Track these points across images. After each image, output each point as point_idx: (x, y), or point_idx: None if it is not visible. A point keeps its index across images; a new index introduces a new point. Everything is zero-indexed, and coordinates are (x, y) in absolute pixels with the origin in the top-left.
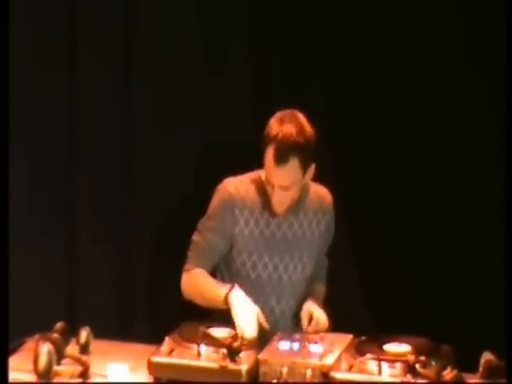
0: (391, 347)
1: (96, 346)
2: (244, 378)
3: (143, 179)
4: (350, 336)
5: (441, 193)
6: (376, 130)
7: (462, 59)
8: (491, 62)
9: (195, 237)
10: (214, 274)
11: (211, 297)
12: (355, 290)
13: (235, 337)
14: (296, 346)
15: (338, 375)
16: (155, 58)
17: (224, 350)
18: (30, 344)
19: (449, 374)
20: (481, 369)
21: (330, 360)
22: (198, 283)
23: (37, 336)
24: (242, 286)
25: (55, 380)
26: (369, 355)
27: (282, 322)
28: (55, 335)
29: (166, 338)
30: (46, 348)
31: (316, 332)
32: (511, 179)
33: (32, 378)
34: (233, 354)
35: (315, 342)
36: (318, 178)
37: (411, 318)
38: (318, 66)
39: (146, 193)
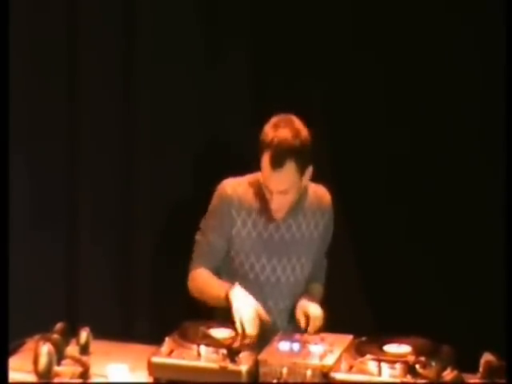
0: (391, 348)
1: (96, 346)
2: (244, 379)
3: (143, 179)
4: (350, 337)
5: (440, 193)
6: (375, 129)
7: (462, 59)
8: (491, 62)
9: (198, 236)
10: (217, 274)
11: (214, 295)
12: (355, 291)
13: (235, 337)
14: (296, 346)
15: (338, 376)
16: (155, 58)
17: (224, 351)
18: (30, 344)
19: (449, 374)
20: (481, 369)
21: (330, 360)
22: (201, 282)
23: (37, 336)
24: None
25: (55, 380)
26: (369, 356)
27: (280, 323)
28: (55, 336)
29: (166, 339)
30: (46, 348)
31: (313, 328)
32: (511, 179)
33: (32, 378)
34: (233, 354)
35: (315, 343)
36: (318, 178)
37: (411, 318)
38: (317, 66)
39: (147, 193)
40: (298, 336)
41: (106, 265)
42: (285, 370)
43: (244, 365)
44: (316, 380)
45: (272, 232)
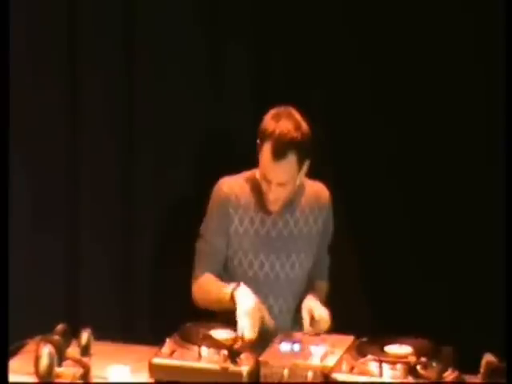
0: (392, 348)
1: (97, 347)
2: (245, 380)
3: (144, 179)
4: (352, 337)
5: (442, 192)
6: (376, 129)
7: (463, 59)
8: (491, 63)
9: (198, 244)
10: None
11: (220, 298)
12: (356, 291)
13: (236, 338)
14: (297, 347)
15: (339, 376)
16: (156, 59)
17: (225, 352)
18: (30, 346)
19: (450, 375)
20: (482, 370)
21: (331, 361)
22: (206, 289)
23: (38, 338)
24: None
25: (56, 382)
26: (370, 356)
27: (281, 320)
28: (56, 337)
29: (167, 340)
30: (46, 350)
31: (318, 331)
32: (511, 179)
33: (33, 379)
34: (234, 355)
35: (316, 344)
36: (318, 177)
37: (412, 319)
38: (318, 67)
39: (147, 193)
40: (298, 337)
41: (107, 266)
42: (286, 371)
43: (245, 366)
44: (317, 381)
45: (269, 228)
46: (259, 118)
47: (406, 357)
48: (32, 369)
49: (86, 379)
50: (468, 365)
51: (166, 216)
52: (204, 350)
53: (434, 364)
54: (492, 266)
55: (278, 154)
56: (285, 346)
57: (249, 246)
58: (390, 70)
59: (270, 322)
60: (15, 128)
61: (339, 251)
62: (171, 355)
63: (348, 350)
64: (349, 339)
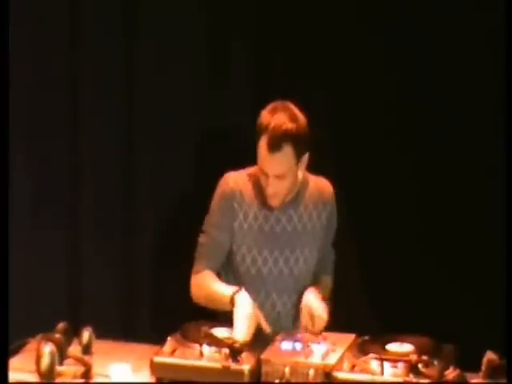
0: (394, 347)
1: (98, 346)
2: (246, 378)
3: (145, 178)
4: (353, 336)
5: (443, 191)
6: (378, 128)
7: (463, 58)
8: (492, 63)
9: (201, 238)
10: (218, 273)
11: (218, 299)
12: (358, 290)
13: (232, 338)
14: (298, 345)
15: (341, 375)
16: (156, 57)
17: (226, 350)
18: (32, 344)
19: (451, 373)
20: (483, 368)
21: (332, 360)
22: (205, 286)
23: (39, 336)
24: (243, 282)
25: (57, 380)
26: (371, 355)
27: (284, 316)
28: (57, 335)
29: (169, 338)
30: (48, 348)
31: (317, 328)
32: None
33: (34, 378)
34: (235, 353)
35: (318, 342)
36: (322, 175)
37: (413, 317)
38: (320, 66)
39: (148, 193)
40: (300, 335)
41: (108, 264)
42: (287, 370)
43: (246, 364)
44: (318, 379)
45: (273, 224)
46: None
47: (407, 355)
48: (33, 367)
49: (87, 378)
50: (469, 363)
51: (167, 215)
52: (205, 349)
53: (436, 362)
54: (493, 264)
55: (273, 145)
56: (286, 345)
57: (252, 241)
58: (392, 69)
59: (266, 329)
60: (15, 128)
61: (340, 249)
62: (172, 354)
63: (349, 349)
64: (350, 337)
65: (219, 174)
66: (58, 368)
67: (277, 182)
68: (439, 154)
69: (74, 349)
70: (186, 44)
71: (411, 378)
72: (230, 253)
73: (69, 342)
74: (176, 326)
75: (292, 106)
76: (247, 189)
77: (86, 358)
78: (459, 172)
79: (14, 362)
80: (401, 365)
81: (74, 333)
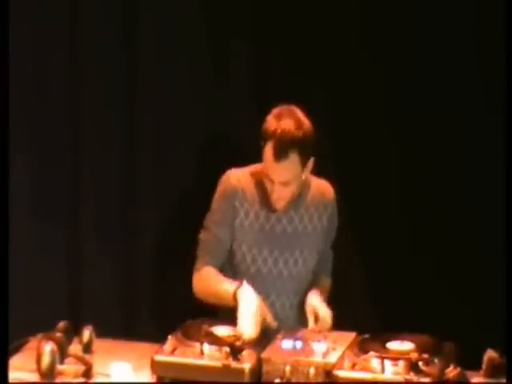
0: (394, 345)
1: (99, 345)
2: (247, 377)
3: (145, 178)
4: (353, 334)
5: (443, 191)
6: (378, 130)
7: (464, 59)
8: (492, 63)
9: (202, 235)
10: (220, 270)
11: (221, 294)
12: (358, 288)
13: (238, 335)
14: (299, 344)
15: (341, 373)
16: (157, 57)
17: (227, 349)
18: (32, 343)
19: (452, 371)
20: (484, 366)
21: (333, 358)
22: (208, 282)
23: (39, 335)
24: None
25: (58, 379)
26: (372, 353)
27: (283, 316)
28: (58, 334)
29: (169, 337)
30: (48, 347)
31: (320, 330)
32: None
33: (35, 377)
34: (236, 352)
35: (318, 340)
36: (322, 177)
37: (414, 315)
38: (320, 67)
39: (149, 192)
40: (300, 334)
41: (109, 263)
42: (288, 368)
43: (247, 363)
44: (319, 378)
45: (274, 224)
46: (261, 118)
47: (407, 353)
48: (34, 366)
49: (87, 377)
50: (470, 361)
51: (168, 214)
52: (206, 347)
53: (436, 360)
54: (493, 262)
55: (280, 153)
56: (287, 343)
57: (253, 240)
58: (392, 70)
59: (272, 323)
60: (15, 128)
61: (341, 248)
62: (173, 352)
63: (350, 347)
64: (351, 336)
65: (219, 174)
66: (59, 367)
67: (282, 189)
68: (439, 155)
69: (75, 348)
70: (186, 44)
71: (412, 376)
72: (230, 251)
73: (69, 341)
74: (176, 325)
75: (297, 111)
76: (249, 187)
77: (87, 356)
78: (459, 172)
79: (15, 361)
80: (401, 363)
81: (74, 332)
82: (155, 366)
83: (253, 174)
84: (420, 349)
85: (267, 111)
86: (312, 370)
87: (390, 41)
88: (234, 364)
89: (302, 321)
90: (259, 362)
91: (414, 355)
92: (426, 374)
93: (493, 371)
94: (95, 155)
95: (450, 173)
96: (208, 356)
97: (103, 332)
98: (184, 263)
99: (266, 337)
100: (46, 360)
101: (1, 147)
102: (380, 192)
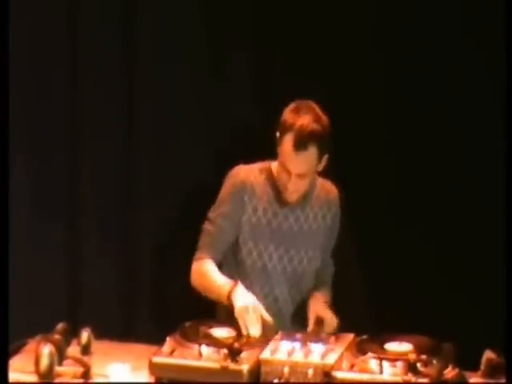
0: (392, 346)
1: (97, 346)
2: (245, 378)
3: (145, 178)
4: (352, 335)
5: (444, 192)
6: (378, 129)
7: (463, 59)
8: (492, 64)
9: (206, 225)
10: (221, 264)
11: (215, 291)
12: (356, 289)
13: (236, 337)
14: (297, 345)
15: (340, 374)
16: (157, 57)
17: (225, 350)
18: (31, 345)
19: (450, 372)
20: (482, 367)
21: (331, 359)
22: (204, 274)
23: (38, 337)
24: (248, 274)
25: (57, 381)
26: (370, 354)
27: (285, 313)
28: (56, 336)
29: (168, 339)
30: (47, 349)
31: (319, 333)
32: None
33: (33, 379)
34: (234, 353)
35: (316, 342)
36: (322, 177)
37: (412, 316)
38: (321, 66)
39: (149, 194)
40: (299, 335)
41: (108, 265)
42: (286, 369)
43: (245, 364)
44: (317, 379)
45: (281, 221)
46: (261, 118)
47: (406, 354)
48: (32, 368)
49: (86, 378)
50: (468, 362)
51: (167, 215)
52: (204, 349)
53: (435, 361)
54: (492, 263)
55: (300, 145)
56: (285, 344)
57: (259, 236)
58: (392, 69)
59: (268, 320)
60: (15, 128)
61: (340, 249)
62: (171, 354)
63: (348, 348)
64: (349, 337)
65: (220, 175)
66: (57, 368)
67: (298, 181)
68: (439, 155)
69: (73, 349)
70: (186, 43)
71: (410, 377)
72: (235, 245)
73: (68, 343)
74: (175, 326)
75: (315, 106)
76: (258, 183)
77: (85, 358)
78: (460, 173)
79: (14, 363)
80: (400, 364)
81: (73, 333)
82: (153, 367)
83: (261, 171)
84: (418, 350)
85: (268, 111)
86: (310, 371)
87: (389, 41)
88: (232, 365)
89: (304, 318)
90: (258, 364)
91: (413, 356)
92: (425, 375)
93: (491, 372)
94: (95, 155)
95: (449, 173)
96: (206, 357)
97: (101, 333)
98: (183, 264)
99: (264, 337)
100: (44, 362)
101: (1, 147)
102: (379, 192)
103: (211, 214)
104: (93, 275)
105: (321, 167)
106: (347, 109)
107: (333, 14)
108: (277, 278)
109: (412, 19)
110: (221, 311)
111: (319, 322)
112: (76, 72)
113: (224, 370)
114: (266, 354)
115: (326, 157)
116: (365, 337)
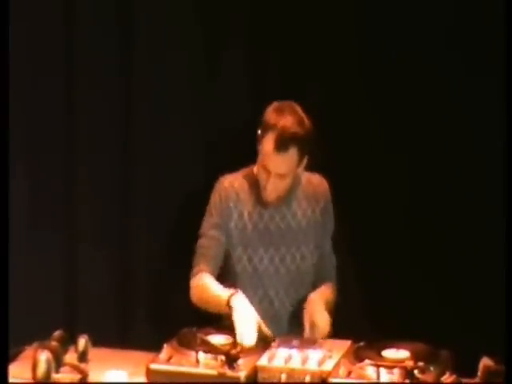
0: (390, 353)
1: (94, 353)
2: None
3: (142, 182)
4: (349, 342)
5: (444, 193)
6: (375, 130)
7: (463, 59)
8: (492, 64)
9: (199, 241)
10: (218, 274)
11: (215, 301)
12: (354, 296)
13: (234, 343)
14: (294, 352)
15: (337, 381)
16: (154, 57)
17: (222, 357)
18: (28, 352)
19: (447, 379)
20: (479, 374)
21: (328, 366)
22: (203, 289)
23: (35, 344)
24: (240, 281)
25: None
26: (367, 361)
27: (282, 314)
28: (54, 343)
29: (165, 345)
30: (44, 356)
31: (317, 337)
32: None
33: None
34: (231, 360)
35: (314, 348)
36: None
37: (409, 323)
38: (316, 66)
39: (146, 198)
40: (296, 342)
41: (105, 272)
42: (283, 376)
43: (242, 371)
44: None
45: (267, 222)
46: (259, 119)
47: (403, 361)
48: (30, 375)
49: None
50: (465, 369)
51: (164, 222)
52: (201, 356)
53: (432, 368)
54: (490, 268)
55: (281, 146)
56: (282, 351)
57: (247, 240)
58: (391, 69)
59: (266, 330)
60: (15, 129)
61: (336, 256)
62: (169, 361)
63: (345, 355)
64: (346, 344)
65: (218, 175)
66: (54, 376)
67: (277, 181)
68: (439, 155)
69: (71, 356)
70: (183, 43)
71: None
72: (226, 253)
73: (65, 350)
74: (172, 333)
75: (299, 109)
76: (243, 189)
77: (83, 365)
78: (460, 173)
79: (11, 370)
80: (397, 371)
81: (70, 340)
82: (151, 374)
83: (245, 176)
84: (416, 357)
85: (264, 111)
86: (308, 378)
87: (388, 40)
88: (229, 372)
89: (302, 319)
90: (255, 370)
91: (410, 363)
92: (422, 382)
93: (488, 378)
94: (92, 157)
95: (449, 173)
96: (203, 364)
97: (99, 341)
98: (180, 271)
99: (261, 345)
100: (41, 369)
101: (1, 150)
102: (379, 192)
103: (203, 229)
104: (90, 282)
105: (301, 168)
106: (345, 108)
107: (329, 13)
108: (270, 280)
109: (411, 18)
110: (219, 317)
111: (312, 326)
112: (76, 73)
113: (221, 376)
114: (263, 361)
115: (305, 159)
116: (362, 344)
